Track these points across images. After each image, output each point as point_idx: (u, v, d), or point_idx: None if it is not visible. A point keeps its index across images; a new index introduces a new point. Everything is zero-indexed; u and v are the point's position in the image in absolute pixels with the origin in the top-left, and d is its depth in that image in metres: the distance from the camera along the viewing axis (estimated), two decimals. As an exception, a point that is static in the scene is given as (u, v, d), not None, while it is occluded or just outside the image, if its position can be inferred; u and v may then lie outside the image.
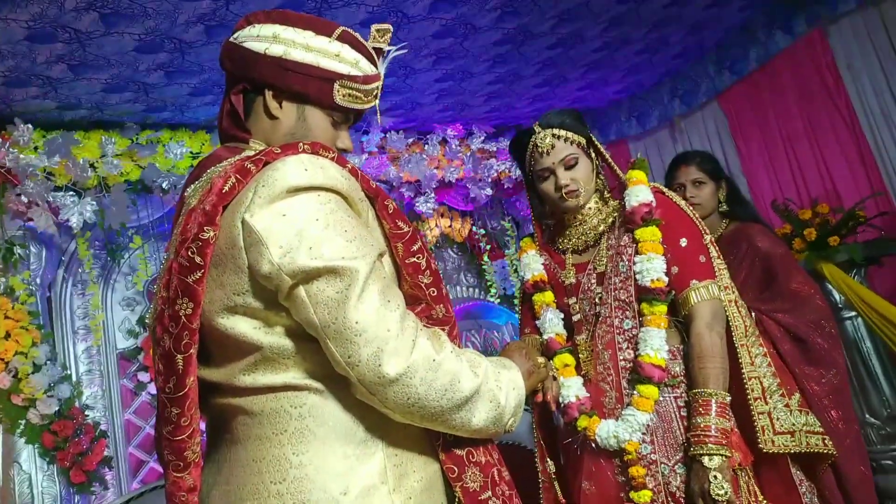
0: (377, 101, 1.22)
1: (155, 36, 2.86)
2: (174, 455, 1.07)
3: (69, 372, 3.20)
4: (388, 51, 1.23)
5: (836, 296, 2.94)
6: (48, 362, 3.00)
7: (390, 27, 1.22)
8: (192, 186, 1.17)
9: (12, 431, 2.93)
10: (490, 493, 1.06)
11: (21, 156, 3.06)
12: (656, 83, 4.55)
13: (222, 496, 1.05)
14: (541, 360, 1.37)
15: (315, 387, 1.02)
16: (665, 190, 1.77)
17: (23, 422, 2.92)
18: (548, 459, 1.78)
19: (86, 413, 3.11)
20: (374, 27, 1.21)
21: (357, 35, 1.19)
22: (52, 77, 3.00)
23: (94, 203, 3.21)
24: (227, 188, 1.01)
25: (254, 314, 1.02)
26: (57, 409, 2.94)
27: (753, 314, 2.05)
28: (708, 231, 1.75)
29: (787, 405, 1.67)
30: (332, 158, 1.06)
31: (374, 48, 1.20)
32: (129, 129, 3.48)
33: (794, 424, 1.66)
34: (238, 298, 1.01)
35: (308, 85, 1.14)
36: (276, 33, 1.14)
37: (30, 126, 3.10)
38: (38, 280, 3.21)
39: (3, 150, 3.05)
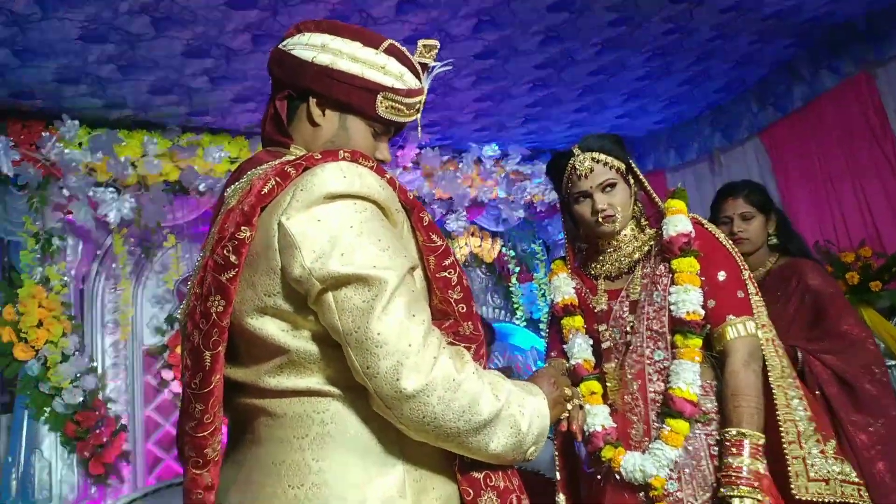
0: (418, 116, 1.22)
1: (203, 42, 2.93)
2: (195, 452, 1.07)
3: (96, 364, 3.25)
4: (433, 67, 1.23)
5: (877, 343, 2.85)
6: (76, 353, 3.05)
7: (437, 43, 1.23)
8: (233, 187, 1.18)
9: (37, 418, 2.98)
10: None
11: (66, 151, 3.15)
12: (697, 115, 4.51)
13: (240, 496, 1.05)
14: (568, 390, 1.35)
15: (339, 394, 1.02)
16: (704, 221, 1.74)
17: (48, 410, 2.96)
18: (560, 494, 1.75)
19: (108, 406, 3.16)
20: (420, 42, 1.22)
21: (404, 49, 1.20)
22: (102, 76, 3.08)
23: (133, 200, 3.28)
24: (266, 190, 1.02)
25: (283, 316, 1.02)
26: (81, 399, 2.99)
27: (800, 354, 1.99)
28: (747, 267, 1.71)
29: (822, 451, 1.62)
30: (371, 168, 1.06)
31: (419, 63, 1.20)
32: (171, 131, 3.56)
33: (829, 472, 1.60)
34: (269, 300, 1.01)
35: (352, 95, 1.15)
36: (324, 43, 1.16)
37: (76, 122, 3.19)
38: (72, 272, 3.28)
39: (49, 145, 3.13)
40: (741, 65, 3.91)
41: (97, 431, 3.01)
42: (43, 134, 3.17)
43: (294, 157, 1.09)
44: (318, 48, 1.16)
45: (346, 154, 1.05)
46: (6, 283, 3.13)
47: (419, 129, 1.26)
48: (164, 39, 2.86)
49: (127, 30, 2.76)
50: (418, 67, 1.20)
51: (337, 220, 0.98)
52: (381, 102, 1.15)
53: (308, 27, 1.20)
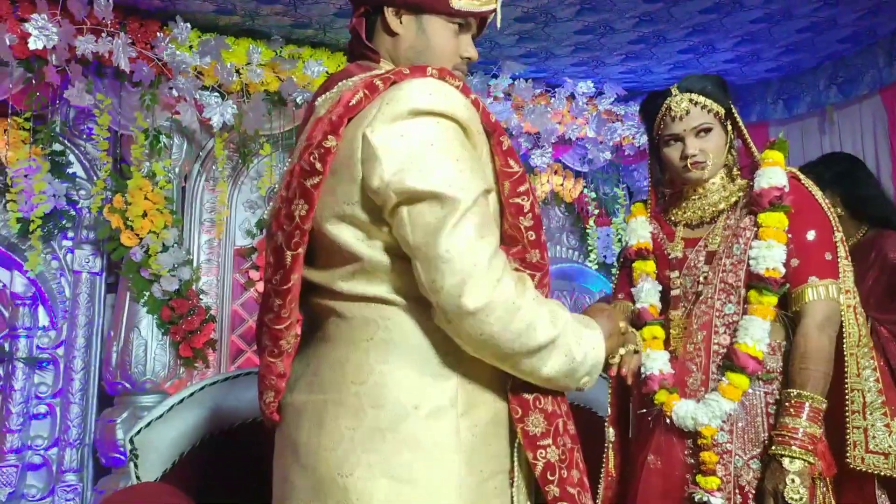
0: (498, 4, 1.19)
1: (311, -48, 2.93)
2: (271, 342, 1.15)
3: (191, 257, 3.49)
4: None
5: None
6: (175, 245, 3.28)
7: None
8: (323, 97, 1.21)
9: (137, 300, 3.25)
10: (551, 440, 1.08)
11: (177, 52, 3.29)
12: (815, 66, 4.17)
13: (308, 385, 1.13)
14: (625, 326, 1.36)
15: (405, 304, 1.07)
16: (801, 176, 1.65)
17: (147, 294, 3.23)
18: (610, 428, 1.78)
19: (200, 297, 3.40)
20: None
21: None
22: (214, -19, 3.16)
23: (235, 107, 3.41)
24: (354, 101, 1.05)
25: (359, 225, 1.06)
26: (177, 288, 3.23)
27: (870, 323, 1.92)
28: (840, 228, 1.63)
29: (887, 425, 1.57)
30: (458, 87, 1.07)
31: None
32: (275, 42, 3.64)
33: (891, 446, 1.56)
34: (347, 208, 1.05)
35: None
36: None
37: (188, 25, 3.30)
38: (176, 170, 3.48)
39: (162, 45, 3.28)
40: (872, 13, 3.56)
41: (189, 318, 3.26)
42: (157, 34, 3.32)
43: (383, 71, 1.11)
44: None
45: (433, 71, 1.07)
46: (117, 175, 3.37)
47: (498, 16, 1.21)
48: (273, -52, 2.89)
49: (239, -64, 2.80)
50: None
51: (419, 137, 1.00)
52: None
53: None
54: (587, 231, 4.49)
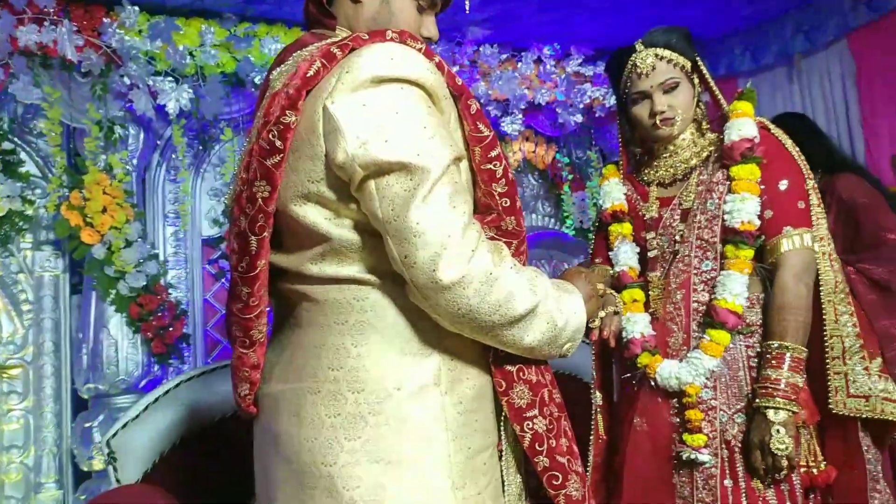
0: None
1: (257, -76, 2.82)
2: (241, 332, 1.12)
3: (157, 252, 3.40)
4: None
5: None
6: (139, 240, 3.18)
7: None
8: (278, 70, 1.16)
9: (104, 299, 3.16)
10: (537, 411, 1.06)
11: (126, 38, 3.16)
12: (780, 14, 4.14)
13: (283, 373, 1.09)
14: (604, 288, 1.33)
15: (379, 283, 1.03)
16: (771, 126, 1.63)
17: (113, 292, 3.14)
18: (597, 392, 1.77)
19: (169, 291, 3.32)
20: None
21: None
22: (156, -41, 3.03)
23: (191, 91, 3.30)
24: (311, 72, 0.99)
25: (326, 204, 1.02)
26: (144, 283, 3.14)
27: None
28: (812, 175, 1.61)
29: (866, 368, 1.58)
30: (420, 50, 1.02)
31: None
32: (228, 21, 3.51)
33: (870, 389, 1.57)
34: (312, 186, 1.01)
35: None
36: None
37: (136, 8, 3.17)
38: (134, 161, 3.37)
39: (110, 31, 3.15)
40: (836, -42, 3.54)
41: (159, 314, 3.18)
42: (104, 20, 3.18)
43: (340, 38, 1.05)
44: None
45: (394, 35, 1.01)
46: (73, 170, 3.24)
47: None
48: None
49: (179, -90, 2.67)
50: None
51: (382, 105, 0.95)
52: None
53: None
54: (562, 197, 4.47)
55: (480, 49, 4.04)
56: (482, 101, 4.05)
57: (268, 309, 1.15)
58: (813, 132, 2.34)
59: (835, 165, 2.23)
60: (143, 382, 3.19)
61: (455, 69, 3.90)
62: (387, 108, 0.95)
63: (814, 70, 3.97)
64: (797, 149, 1.62)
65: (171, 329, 3.18)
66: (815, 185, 1.61)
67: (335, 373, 1.02)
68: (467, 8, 1.22)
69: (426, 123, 0.96)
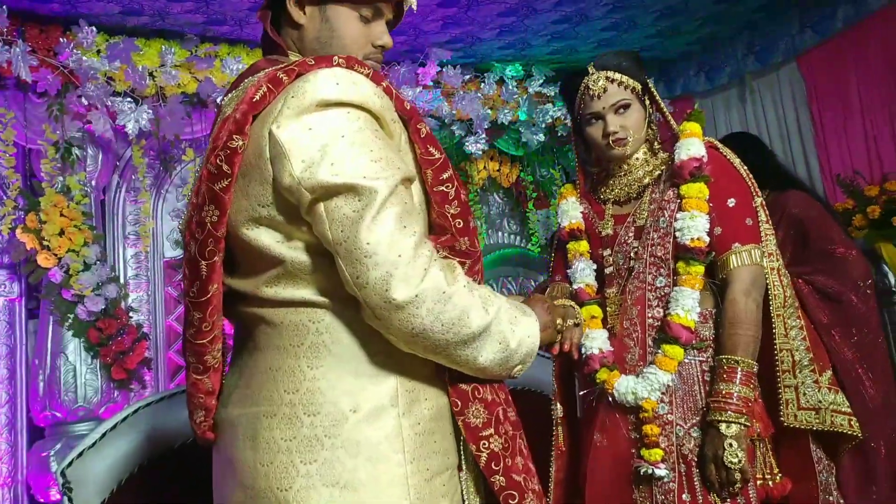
0: None
1: (217, -54, 2.83)
2: (195, 358, 1.11)
3: (117, 274, 3.34)
4: None
5: (892, 278, 2.82)
6: (98, 262, 3.12)
7: None
8: (229, 95, 1.16)
9: (61, 324, 3.09)
10: (492, 430, 1.06)
11: (84, 58, 3.12)
12: (732, 37, 4.29)
13: (240, 398, 1.09)
14: (568, 302, 1.35)
15: (333, 305, 1.03)
16: (720, 146, 1.68)
17: (71, 316, 3.06)
18: (557, 405, 1.79)
19: (130, 315, 3.25)
20: None
21: None
22: (116, -19, 3.01)
23: (151, 112, 3.27)
24: (257, 97, 1.00)
25: (277, 227, 1.02)
26: (103, 307, 3.08)
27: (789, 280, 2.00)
28: (760, 193, 1.66)
29: (816, 381, 1.62)
30: (367, 75, 1.03)
31: None
32: (189, 41, 3.50)
33: (820, 401, 1.61)
34: (262, 210, 1.01)
35: None
36: None
37: (94, 29, 3.14)
38: (93, 182, 3.31)
39: (67, 51, 3.10)
40: (784, -18, 3.69)
41: (119, 339, 3.12)
42: (60, 40, 3.14)
43: (287, 64, 1.06)
44: None
45: (340, 60, 1.02)
46: (28, 192, 3.18)
47: (414, 2, 1.17)
48: (177, -57, 2.77)
49: (139, -68, 2.67)
50: None
51: (328, 129, 0.96)
52: None
53: None
54: (528, 214, 4.51)
55: (444, 70, 4.09)
56: (447, 120, 4.10)
57: (228, 333, 1.14)
58: (761, 150, 2.40)
59: (783, 182, 2.28)
60: (102, 409, 3.11)
61: (419, 89, 3.94)
62: (332, 131, 0.96)
63: (766, 90, 4.11)
64: (745, 167, 1.67)
65: (131, 353, 3.12)
66: (763, 202, 1.66)
67: (290, 396, 1.02)
68: (414, 5, 1.18)
69: (372, 146, 0.97)
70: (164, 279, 3.53)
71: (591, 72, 1.65)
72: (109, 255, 3.35)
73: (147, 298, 3.46)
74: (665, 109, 1.71)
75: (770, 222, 1.66)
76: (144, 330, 3.31)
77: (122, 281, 3.34)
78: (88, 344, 3.06)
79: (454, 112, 4.11)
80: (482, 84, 4.27)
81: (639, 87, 1.66)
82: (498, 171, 4.44)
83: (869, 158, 3.52)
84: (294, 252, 1.02)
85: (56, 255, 3.01)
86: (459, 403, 1.06)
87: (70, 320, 3.06)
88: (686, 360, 1.58)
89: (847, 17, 3.65)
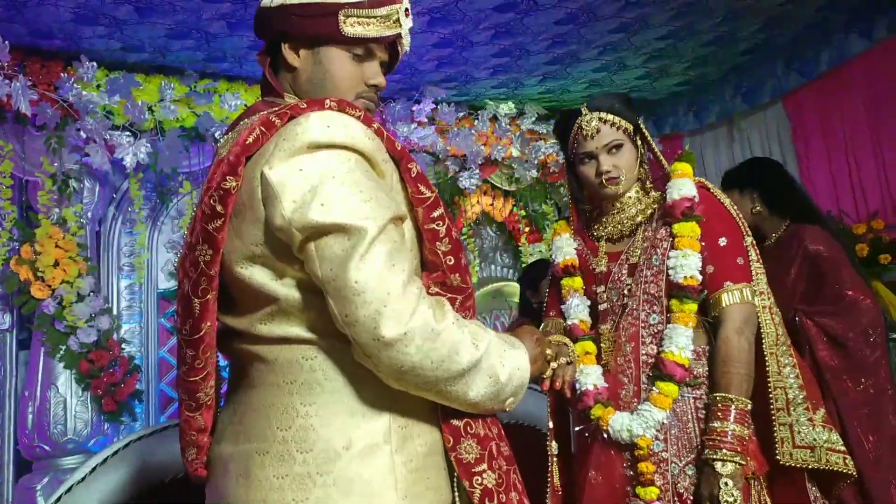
0: (403, 29, 1.16)
1: (220, -14, 2.90)
2: (187, 395, 1.12)
3: (110, 306, 3.33)
4: None
5: (886, 317, 2.83)
6: (91, 294, 3.12)
7: None
8: (225, 137, 1.19)
9: (53, 355, 3.07)
10: (486, 465, 1.06)
11: (84, 92, 3.16)
12: (720, 78, 4.40)
13: (234, 435, 1.09)
14: (562, 339, 1.35)
15: (327, 342, 1.04)
16: (710, 185, 1.71)
17: (63, 347, 3.05)
18: (553, 441, 1.78)
19: (122, 346, 3.24)
20: None
21: None
22: (119, 18, 3.07)
23: (149, 145, 3.30)
24: (251, 140, 1.02)
25: (271, 265, 1.03)
26: (95, 339, 3.07)
27: (797, 318, 2.00)
28: (750, 232, 1.69)
29: (810, 419, 1.63)
30: (359, 117, 1.05)
31: None
32: (189, 77, 3.55)
33: (815, 440, 1.62)
34: (256, 249, 1.03)
35: (313, 24, 1.12)
36: None
37: (94, 64, 3.19)
38: (89, 214, 3.33)
39: (67, 85, 3.15)
40: (769, 26, 3.79)
41: (111, 370, 3.10)
42: (61, 75, 3.18)
43: (280, 107, 1.08)
44: None
45: (332, 103, 1.05)
46: (24, 223, 3.19)
47: (406, 38, 1.19)
48: (180, -18, 2.84)
49: (143, -28, 2.74)
50: None
51: (319, 170, 0.98)
52: (343, 21, 1.11)
53: None
54: (520, 249, 4.55)
55: (438, 107, 4.17)
56: (441, 156, 4.15)
57: (223, 370, 1.15)
58: (784, 179, 2.39)
59: (804, 215, 2.27)
60: (92, 442, 3.08)
61: (413, 126, 4.00)
62: (323, 172, 0.98)
63: (753, 129, 4.20)
64: (734, 207, 1.71)
65: (122, 386, 3.10)
66: (753, 242, 1.69)
67: (283, 433, 1.02)
68: (406, 46, 1.20)
69: (362, 186, 0.99)
70: (158, 311, 3.53)
71: (584, 112, 1.69)
72: (103, 287, 3.35)
73: (140, 330, 3.45)
74: (656, 149, 1.75)
75: (760, 261, 1.69)
76: (136, 362, 3.29)
77: (115, 312, 3.34)
78: (79, 375, 3.04)
79: (448, 148, 4.18)
80: (476, 121, 4.35)
81: (630, 127, 1.70)
82: (491, 205, 4.49)
83: (854, 197, 3.59)
84: (287, 290, 1.03)
85: (50, 286, 3.01)
86: (452, 439, 1.06)
87: (62, 352, 3.04)
88: (680, 398, 1.59)
89: (831, 59, 3.75)
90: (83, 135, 3.19)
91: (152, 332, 3.49)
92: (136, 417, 3.20)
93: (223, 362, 1.18)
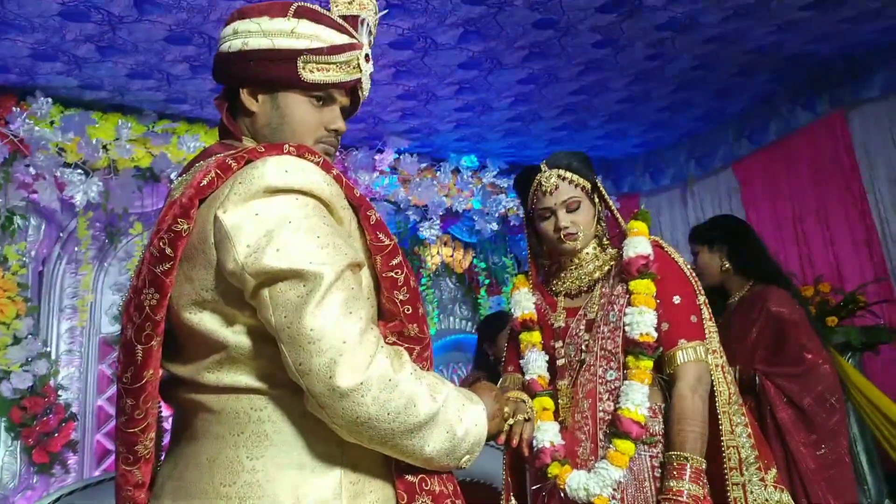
0: (363, 74, 1.16)
1: (185, 29, 2.90)
2: (125, 447, 1.06)
3: (49, 349, 3.17)
4: (367, 17, 1.16)
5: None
6: (29, 336, 2.97)
7: None
8: (179, 179, 1.16)
9: (-18, 401, 2.89)
10: None
11: (36, 128, 3.09)
12: (675, 142, 4.58)
13: (174, 491, 1.03)
14: (521, 395, 1.33)
15: (277, 392, 1.00)
16: (664, 244, 1.75)
17: (-6, 393, 2.88)
18: (509, 500, 1.74)
19: (59, 393, 3.07)
20: None
21: (315, 7, 1.14)
22: (79, 56, 3.03)
23: (101, 184, 3.22)
24: (205, 182, 1.00)
25: (221, 311, 1.00)
26: (30, 385, 2.91)
27: (757, 378, 2.03)
28: (703, 291, 1.73)
29: (762, 479, 1.63)
30: (318, 163, 1.04)
31: (343, 16, 1.15)
32: (147, 117, 3.51)
33: (767, 500, 1.62)
34: (206, 294, 0.99)
35: (270, 69, 1.11)
36: (235, 29, 1.13)
37: (49, 100, 3.13)
38: (32, 253, 3.20)
39: (19, 120, 3.07)
40: (721, 96, 3.98)
41: (45, 419, 2.93)
42: (14, 109, 3.11)
43: (237, 150, 1.07)
44: (230, 37, 1.13)
45: (290, 148, 1.04)
46: (-38, 260, 3.05)
47: (365, 85, 1.18)
48: (146, 23, 2.83)
49: (108, 10, 2.72)
50: (341, 22, 1.14)
51: (275, 215, 0.96)
52: (302, 67, 1.10)
53: (229, 20, 1.16)
54: (479, 301, 4.55)
55: (401, 157, 4.21)
56: (402, 205, 4.17)
57: (165, 421, 1.09)
58: (750, 239, 2.44)
59: (768, 277, 2.32)
60: (18, 497, 2.87)
61: (375, 174, 4.02)
62: (279, 217, 0.96)
63: (705, 191, 4.36)
64: (688, 266, 1.74)
65: (56, 435, 2.92)
66: (706, 301, 1.72)
67: (227, 489, 0.97)
68: (366, 91, 1.19)
69: (319, 232, 0.97)
70: (99, 356, 3.37)
71: (543, 169, 1.72)
72: (42, 329, 3.19)
73: (79, 376, 3.28)
74: (613, 207, 1.79)
75: (713, 320, 1.72)
76: (73, 410, 3.12)
77: (53, 357, 3.18)
78: (10, 424, 2.87)
79: (410, 198, 4.20)
80: (438, 172, 4.40)
81: (588, 185, 1.73)
82: (451, 256, 4.50)
83: (801, 262, 3.72)
84: (237, 337, 1.00)
85: (-16, 327, 2.86)
86: (406, 496, 1.02)
87: (-9, 398, 2.87)
88: (637, 456, 1.58)
89: (778, 129, 3.95)
90: (32, 171, 3.10)
91: (91, 379, 3.32)
92: (68, 470, 3.01)
93: (165, 412, 1.13)
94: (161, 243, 0.98)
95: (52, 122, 3.18)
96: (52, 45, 2.93)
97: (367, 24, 1.17)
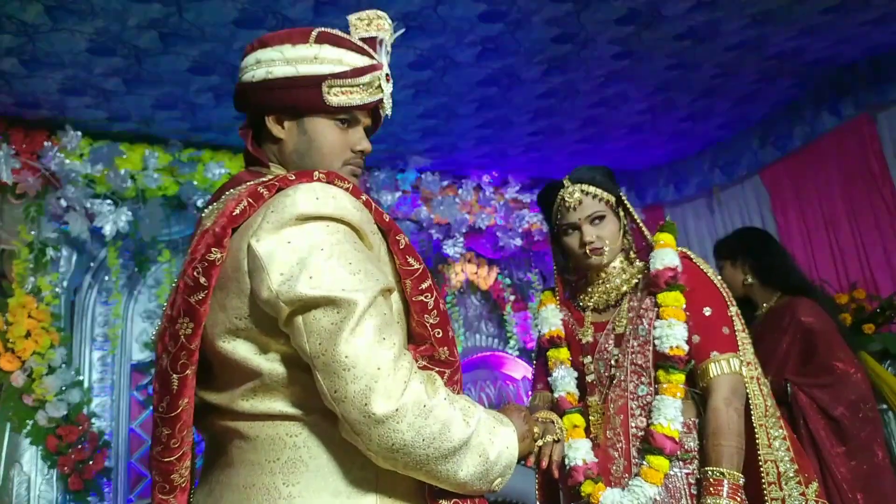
0: (384, 94, 1.17)
1: (209, 59, 2.96)
2: (161, 476, 1.06)
3: (82, 378, 3.22)
4: (384, 38, 1.18)
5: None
6: (63, 365, 3.02)
7: (376, 13, 1.18)
8: (210, 207, 1.17)
9: (19, 431, 2.93)
10: None
11: (66, 161, 3.16)
12: (698, 151, 4.53)
13: None
14: (550, 415, 1.32)
15: (312, 419, 1.00)
16: (693, 255, 1.72)
17: (30, 422, 2.92)
18: None
19: (92, 421, 3.11)
20: (352, 17, 1.18)
21: (335, 31, 1.16)
22: (107, 89, 3.11)
23: (130, 213, 3.28)
24: (237, 211, 1.01)
25: (255, 339, 1.00)
26: (65, 413, 2.95)
27: (790, 388, 1.99)
28: (734, 302, 1.69)
29: (802, 493, 1.58)
30: (347, 189, 1.05)
31: (362, 39, 1.16)
32: (173, 146, 3.58)
33: (809, 516, 1.57)
34: (240, 322, 1.00)
35: (296, 96, 1.13)
36: (257, 58, 1.15)
37: (79, 133, 3.20)
38: (64, 283, 3.26)
39: (50, 154, 3.15)
40: (743, 103, 3.93)
41: (80, 447, 2.96)
42: (45, 143, 3.19)
43: (268, 178, 1.08)
44: (253, 67, 1.15)
45: (321, 175, 1.05)
46: (-4, 292, 3.12)
47: (387, 103, 1.19)
48: (170, 55, 2.89)
49: (134, 44, 2.79)
50: (361, 44, 1.16)
51: (307, 242, 0.97)
52: (327, 91, 1.12)
53: (247, 50, 1.18)
54: (505, 317, 4.52)
55: (423, 176, 4.22)
56: (425, 224, 4.17)
57: (191, 451, 1.09)
58: (776, 251, 2.42)
59: (796, 288, 2.29)
60: (54, 525, 2.90)
61: (398, 194, 4.04)
62: (311, 244, 0.96)
63: (731, 201, 4.29)
64: (718, 276, 1.71)
65: (90, 462, 2.95)
66: (738, 312, 1.68)
67: None
68: (389, 110, 1.20)
69: (351, 258, 0.97)
70: (131, 383, 3.41)
71: (566, 185, 1.71)
72: (75, 358, 3.24)
73: (111, 403, 3.32)
74: (638, 220, 1.77)
75: (746, 331, 1.68)
76: (106, 437, 3.15)
77: (86, 385, 3.22)
78: (46, 452, 2.90)
79: (432, 216, 4.20)
80: (460, 190, 4.40)
81: (612, 199, 1.71)
82: (475, 273, 4.48)
83: (836, 269, 3.63)
84: (271, 364, 1.00)
85: (20, 357, 2.91)
86: None
87: (28, 427, 2.91)
88: (672, 473, 1.55)
89: (804, 135, 3.88)
90: (63, 203, 3.17)
91: (123, 406, 3.36)
92: (103, 497, 3.04)
93: (196, 438, 1.13)
94: (195, 272, 0.99)
95: (81, 155, 3.26)
96: (80, 79, 3.01)
97: (385, 45, 1.18)
